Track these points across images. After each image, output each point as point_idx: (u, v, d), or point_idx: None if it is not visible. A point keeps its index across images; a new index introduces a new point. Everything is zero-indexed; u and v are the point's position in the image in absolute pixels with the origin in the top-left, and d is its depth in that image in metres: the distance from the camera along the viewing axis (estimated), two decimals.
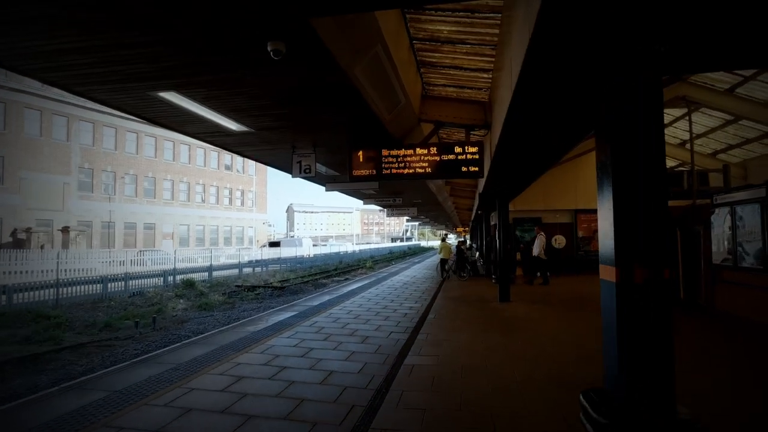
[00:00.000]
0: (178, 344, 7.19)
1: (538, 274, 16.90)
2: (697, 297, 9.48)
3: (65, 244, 28.31)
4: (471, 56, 5.73)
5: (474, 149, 6.60)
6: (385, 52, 4.32)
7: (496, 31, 4.92)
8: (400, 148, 6.79)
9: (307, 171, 7.32)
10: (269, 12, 3.02)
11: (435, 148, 6.69)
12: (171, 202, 38.52)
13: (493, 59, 5.68)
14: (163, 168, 37.85)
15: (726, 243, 8.14)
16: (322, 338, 7.04)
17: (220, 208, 43.73)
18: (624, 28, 2.29)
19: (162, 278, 19.74)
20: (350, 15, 3.47)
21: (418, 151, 6.78)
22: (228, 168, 45.07)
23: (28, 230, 27.15)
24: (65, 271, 18.03)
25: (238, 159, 45.69)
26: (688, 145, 14.24)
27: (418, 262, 32.29)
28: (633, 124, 2.34)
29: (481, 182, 10.25)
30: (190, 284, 19.36)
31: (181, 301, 16.21)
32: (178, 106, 4.90)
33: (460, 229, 52.05)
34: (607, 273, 2.49)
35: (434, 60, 6.10)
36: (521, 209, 17.68)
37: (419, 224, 52.73)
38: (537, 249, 14.19)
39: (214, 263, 25.74)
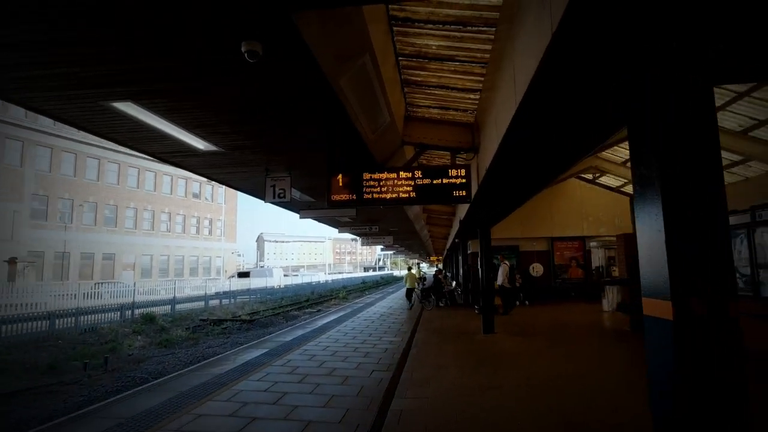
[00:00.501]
0: (130, 391, 6.28)
1: (517, 302, 16.66)
2: None
3: (11, 277, 26.10)
4: (459, 75, 5.45)
5: (461, 173, 6.25)
6: (373, 64, 3.94)
7: (488, 47, 4.65)
8: (382, 172, 6.36)
9: (282, 196, 6.76)
10: (244, 5, 2.58)
11: (420, 172, 6.30)
12: (133, 231, 36.63)
13: (482, 78, 5.41)
14: (126, 195, 36.17)
15: None
16: (297, 380, 6.31)
17: (187, 238, 41.93)
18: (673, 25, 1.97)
19: (119, 312, 18.23)
20: (338, 16, 3.07)
21: (402, 174, 6.36)
22: (196, 196, 43.61)
23: None
24: (5, 306, 16.37)
25: (207, 186, 44.36)
26: None
27: (393, 292, 31.57)
28: (686, 131, 1.98)
29: (464, 209, 9.94)
30: (150, 319, 17.98)
31: (140, 337, 14.91)
32: (135, 120, 4.31)
33: (433, 258, 51.92)
34: (657, 308, 2.06)
35: (420, 79, 5.79)
36: (499, 237, 17.51)
37: (393, 253, 52.23)
38: (500, 278, 14.02)
39: (178, 295, 24.24)
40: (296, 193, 9.01)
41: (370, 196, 6.46)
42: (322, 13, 2.90)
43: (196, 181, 42.61)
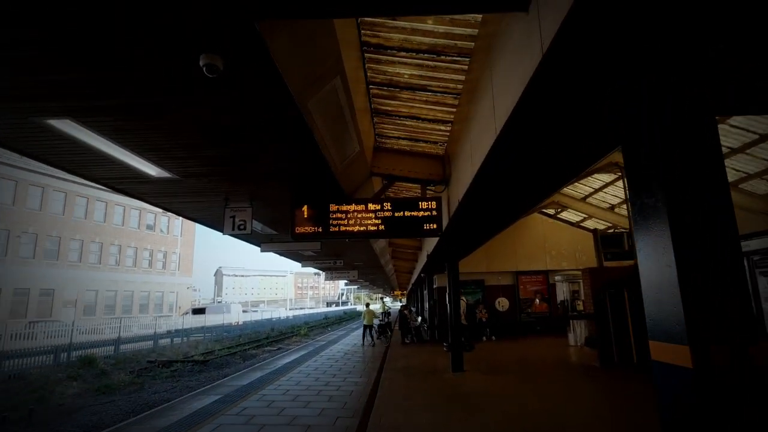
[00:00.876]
0: None
1: (484, 338, 16.43)
2: (648, 359, 9.30)
3: None
4: (431, 105, 5.35)
5: (432, 205, 6.07)
6: (344, 88, 3.72)
7: (462, 77, 4.58)
8: (349, 203, 6.08)
9: (242, 228, 6.30)
10: (202, 11, 2.29)
11: (389, 204, 6.07)
12: (77, 264, 34.02)
13: (454, 110, 5.34)
14: (72, 226, 33.78)
15: None
16: None
17: (138, 272, 39.40)
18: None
19: (53, 355, 16.45)
20: (309, 30, 2.84)
21: (371, 206, 6.11)
22: (150, 228, 41.41)
23: None
24: None
25: (163, 218, 42.33)
26: (616, 210, 15.14)
27: (356, 329, 30.62)
28: (692, 150, 1.82)
29: (432, 242, 9.75)
30: (89, 361, 16.32)
31: (75, 383, 13.38)
32: (75, 140, 3.82)
33: (397, 293, 51.46)
34: (671, 354, 1.82)
35: (390, 108, 5.65)
36: (465, 271, 17.34)
37: (357, 288, 51.32)
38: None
39: (125, 335, 22.34)
40: (258, 225, 8.52)
41: (336, 228, 6.14)
42: (291, 26, 2.66)
43: (151, 212, 40.61)
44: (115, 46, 2.55)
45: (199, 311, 36.75)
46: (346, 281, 35.14)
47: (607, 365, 9.62)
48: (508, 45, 2.75)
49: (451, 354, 9.97)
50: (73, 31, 2.42)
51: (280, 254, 12.39)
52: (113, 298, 36.70)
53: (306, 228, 6.14)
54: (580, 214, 17.17)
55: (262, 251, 10.39)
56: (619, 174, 11.55)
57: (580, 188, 14.44)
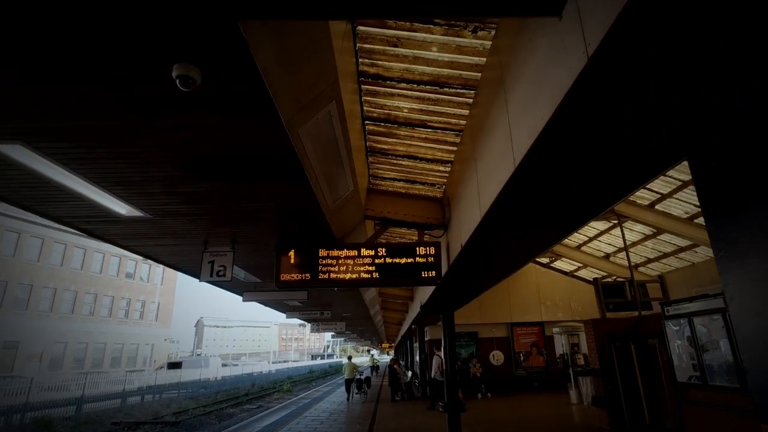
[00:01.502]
0: None
1: (479, 395, 15.40)
2: (663, 420, 8.59)
3: None
4: (430, 143, 5.03)
5: (430, 251, 5.60)
6: (340, 116, 3.35)
7: (465, 112, 4.28)
8: (341, 248, 5.58)
9: (221, 274, 5.70)
10: (175, 11, 1.91)
11: (384, 250, 5.58)
12: (47, 314, 32.09)
13: (454, 148, 5.01)
14: (47, 274, 32.21)
15: (689, 358, 7.60)
16: None
17: (112, 322, 37.31)
18: None
19: (4, 417, 14.83)
20: (300, 42, 2.48)
21: (364, 252, 5.61)
22: (130, 276, 39.80)
23: None
24: None
25: (144, 265, 40.84)
26: (611, 258, 14.82)
27: (343, 384, 28.92)
28: None
29: (427, 291, 9.17)
30: (45, 424, 14.71)
31: None
32: (29, 170, 3.31)
33: (385, 345, 49.48)
34: None
35: (387, 147, 5.32)
36: (457, 323, 16.60)
37: (344, 340, 49.31)
38: (434, 370, 13.13)
39: (92, 392, 20.53)
40: (240, 272, 7.89)
41: (326, 276, 5.59)
42: (279, 36, 2.29)
43: (132, 259, 39.24)
44: (72, 56, 2.14)
45: (174, 365, 34.56)
46: (332, 333, 33.65)
47: (617, 427, 8.82)
48: (531, 62, 2.42)
49: (448, 416, 9.08)
50: (15, 36, 2.01)
51: (264, 304, 11.61)
52: (83, 351, 34.39)
53: (292, 275, 5.57)
54: (574, 263, 16.83)
55: (244, 300, 9.66)
56: (616, 222, 11.31)
57: (575, 236, 14.17)
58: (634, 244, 13.19)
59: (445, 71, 3.77)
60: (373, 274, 5.58)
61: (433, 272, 5.52)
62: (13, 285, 29.81)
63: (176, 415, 17.56)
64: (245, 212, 4.74)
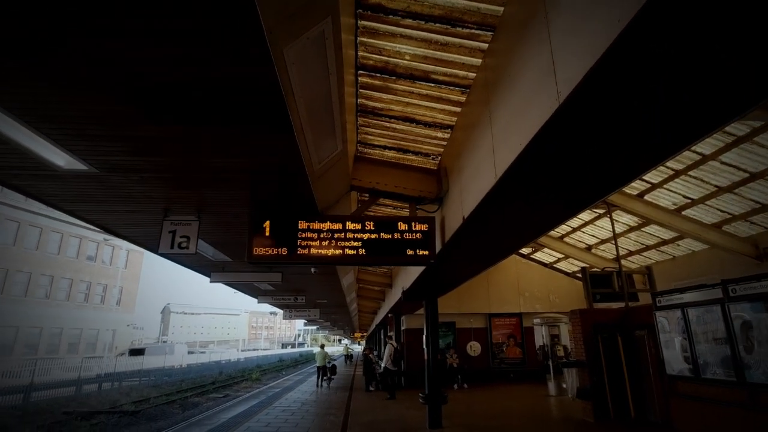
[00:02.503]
0: None
1: (455, 385, 15.08)
2: (648, 413, 8.38)
3: None
4: (431, 102, 4.39)
5: (423, 227, 5.01)
6: (335, 41, 2.68)
7: (477, 61, 3.66)
8: (323, 221, 4.91)
9: (183, 246, 4.93)
10: None
11: (372, 224, 4.95)
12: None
13: (457, 109, 4.41)
14: None
15: (681, 350, 7.35)
16: None
17: (70, 306, 35.31)
18: None
19: None
20: None
21: (350, 225, 4.96)
22: (91, 258, 37.70)
23: None
24: None
25: (107, 247, 38.78)
26: (593, 249, 14.67)
27: (314, 373, 28.27)
28: None
29: (410, 276, 8.62)
30: None
31: None
32: None
33: (357, 335, 49.10)
34: None
35: (381, 105, 4.65)
36: None
37: (317, 329, 48.56)
38: (386, 359, 13.29)
39: (44, 379, 19.15)
40: (208, 249, 7.10)
41: (305, 251, 4.91)
42: None
43: (93, 240, 37.17)
44: None
45: (137, 352, 33.07)
46: (305, 321, 32.88)
47: (602, 420, 8.57)
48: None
49: (429, 408, 8.62)
50: None
51: (233, 287, 10.81)
52: (37, 336, 32.42)
53: (267, 249, 4.86)
54: (553, 254, 16.67)
55: (211, 281, 8.84)
56: (604, 210, 11.05)
57: (560, 226, 13.93)
58: (618, 235, 13.04)
59: (461, 3, 3.13)
60: (359, 250, 4.94)
61: (426, 251, 4.95)
62: None
63: (136, 404, 16.56)
64: (211, 171, 3.99)
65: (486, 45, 3.47)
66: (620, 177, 2.96)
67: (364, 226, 4.95)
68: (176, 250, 4.86)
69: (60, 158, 3.57)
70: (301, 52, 2.49)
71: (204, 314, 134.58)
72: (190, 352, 41.42)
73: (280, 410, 11.52)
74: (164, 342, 66.90)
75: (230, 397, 18.63)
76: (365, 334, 44.33)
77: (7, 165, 3.68)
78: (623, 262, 14.22)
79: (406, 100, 4.43)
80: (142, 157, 3.60)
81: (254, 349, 77.71)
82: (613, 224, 10.35)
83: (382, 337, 28.02)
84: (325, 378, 17.22)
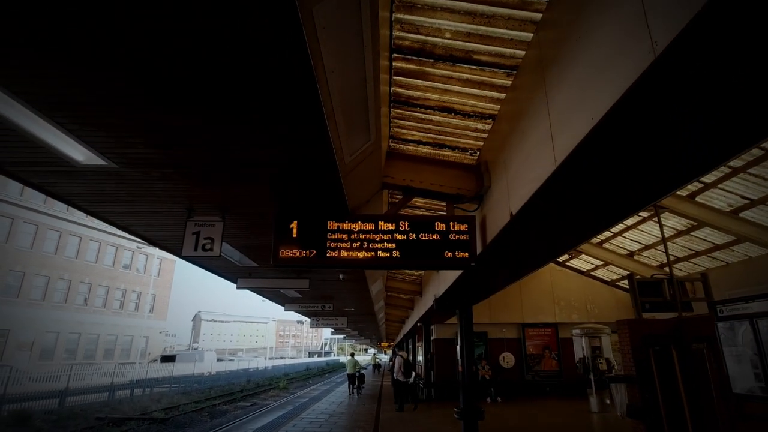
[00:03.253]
0: None
1: (488, 399, 14.38)
2: None
3: None
4: (472, 88, 3.99)
5: (462, 227, 4.58)
6: (372, 4, 2.33)
7: (527, 35, 3.25)
8: (354, 221, 4.56)
9: (207, 248, 4.67)
10: None
11: (407, 224, 4.56)
12: (39, 303, 31.22)
13: (502, 96, 3.99)
14: (39, 261, 31.33)
15: (750, 366, 6.58)
16: None
17: (107, 313, 36.42)
18: None
19: None
20: None
21: (383, 226, 4.59)
22: (126, 267, 38.87)
23: None
24: None
25: (141, 256, 39.90)
26: (636, 256, 13.77)
27: (341, 383, 27.87)
28: None
29: (443, 283, 8.15)
30: (23, 418, 13.73)
31: None
32: None
33: (384, 344, 48.45)
34: None
35: (416, 94, 4.29)
36: None
37: (344, 337, 48.28)
38: (396, 370, 13.49)
39: (79, 384, 19.54)
40: (234, 254, 6.88)
41: (335, 254, 4.56)
42: None
43: (128, 249, 38.33)
44: None
45: (168, 359, 33.60)
46: (332, 330, 32.62)
47: None
48: None
49: (464, 423, 8.07)
50: None
51: (260, 293, 10.61)
52: (76, 342, 33.52)
53: (294, 251, 4.54)
54: (591, 261, 15.79)
55: (238, 288, 8.64)
56: (651, 213, 10.28)
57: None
58: (665, 240, 12.16)
59: None
60: (393, 252, 4.56)
61: (466, 253, 4.51)
62: (4, 271, 28.90)
63: (166, 411, 16.59)
64: (234, 164, 3.69)
65: (539, 15, 3.06)
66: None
67: (398, 226, 4.57)
68: (200, 252, 4.61)
69: (78, 152, 3.36)
70: (333, 15, 2.15)
71: (233, 322, 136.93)
72: (219, 360, 41.84)
73: (307, 422, 11.18)
74: (195, 349, 68.17)
75: (257, 406, 18.47)
76: (392, 343, 43.71)
77: (25, 160, 3.51)
78: (675, 269, 13.28)
79: (444, 86, 4.04)
80: (162, 150, 3.35)
81: (281, 358, 78.08)
82: (661, 227, 9.57)
83: (411, 347, 27.41)
84: (354, 387, 18.02)
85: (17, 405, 15.03)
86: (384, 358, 56.37)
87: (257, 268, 7.86)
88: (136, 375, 25.21)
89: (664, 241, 9.55)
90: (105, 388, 20.64)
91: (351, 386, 18.17)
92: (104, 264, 36.57)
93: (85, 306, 34.59)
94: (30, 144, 3.18)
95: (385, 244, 4.55)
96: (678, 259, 12.89)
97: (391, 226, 4.58)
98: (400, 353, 13.93)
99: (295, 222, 4.57)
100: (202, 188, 4.18)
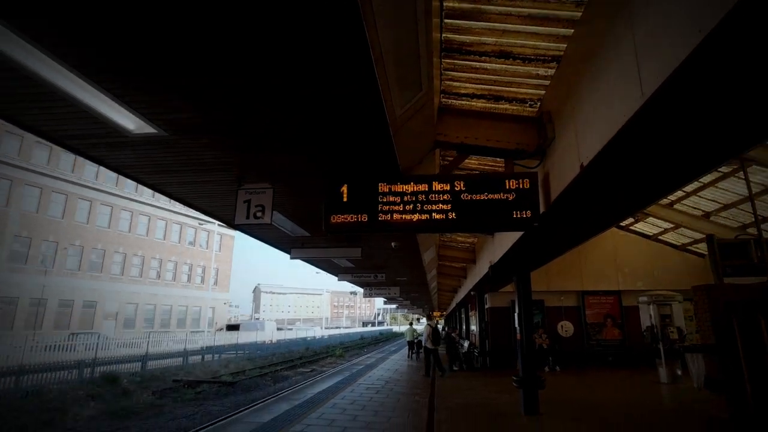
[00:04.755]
0: None
1: (546, 368, 14.02)
2: None
3: None
4: (535, 25, 3.55)
5: (525, 184, 4.22)
6: None
7: None
8: (406, 182, 4.34)
9: (259, 216, 4.67)
10: None
11: (462, 183, 4.27)
12: (119, 277, 34.24)
13: (570, 32, 3.52)
14: (116, 239, 34.17)
15: None
16: None
17: (177, 286, 39.35)
18: None
19: (77, 371, 15.50)
20: None
21: (437, 186, 4.32)
22: (191, 243, 41.54)
23: None
24: None
25: (203, 233, 42.37)
26: (713, 217, 12.52)
27: (395, 351, 28.46)
28: None
29: (499, 248, 7.81)
30: (112, 379, 15.21)
31: (93, 403, 12.19)
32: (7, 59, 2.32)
33: (436, 314, 48.71)
34: None
35: (469, 40, 3.91)
36: None
37: (396, 307, 49.10)
38: (425, 338, 13.83)
39: (156, 350, 21.36)
40: (286, 223, 6.93)
41: (387, 217, 4.37)
42: None
43: (192, 226, 40.80)
44: None
45: (233, 328, 35.96)
46: (384, 299, 33.18)
47: (739, 417, 7.18)
48: None
49: (523, 391, 7.85)
50: None
51: (313, 263, 10.80)
52: (152, 312, 36.70)
53: (345, 217, 4.42)
54: (659, 224, 14.60)
55: (291, 258, 8.79)
56: (735, 167, 9.19)
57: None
58: (752, 197, 10.90)
59: None
60: (449, 214, 4.30)
61: (528, 212, 4.17)
62: (88, 250, 31.80)
63: (233, 375, 17.72)
64: (282, 126, 3.56)
65: None
66: None
67: (453, 186, 4.29)
68: (252, 220, 4.62)
69: (129, 120, 3.37)
70: None
71: (290, 294, 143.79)
72: (278, 329, 44.16)
73: (364, 388, 11.46)
74: (257, 319, 72.46)
75: (316, 372, 19.28)
76: (444, 313, 43.85)
77: (82, 133, 3.58)
78: (751, 230, 11.96)
79: (502, 26, 3.63)
80: (210, 113, 3.27)
81: (336, 327, 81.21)
82: (748, 182, 8.51)
83: (464, 316, 27.31)
84: (413, 352, 19.38)
85: (107, 367, 16.66)
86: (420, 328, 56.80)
87: (309, 237, 7.91)
88: (206, 342, 27.14)
89: (751, 197, 8.51)
90: (179, 354, 22.42)
91: (410, 351, 19.52)
92: (171, 241, 39.25)
93: (157, 280, 37.56)
94: (85, 115, 3.21)
95: (440, 205, 4.30)
96: (765, 219, 11.56)
97: (446, 186, 4.31)
98: (429, 323, 14.67)
99: (345, 186, 4.42)
100: (250, 153, 4.12)
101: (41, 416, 10.43)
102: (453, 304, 30.84)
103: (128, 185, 34.47)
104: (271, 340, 34.27)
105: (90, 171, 31.60)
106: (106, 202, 33.52)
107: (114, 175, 32.52)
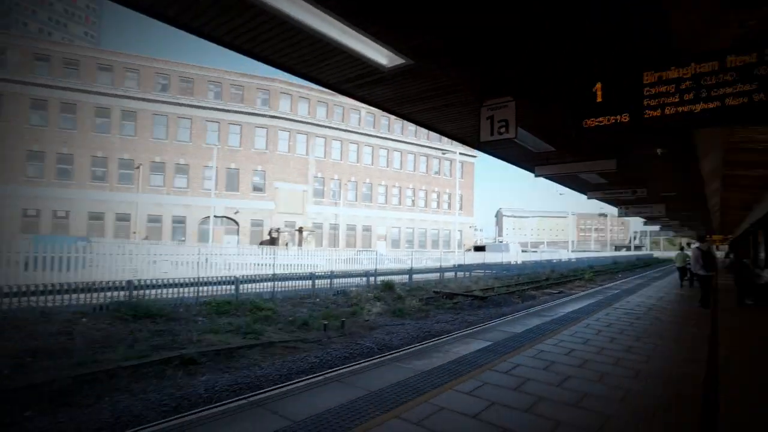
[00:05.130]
0: (348, 367, 5.58)
1: None
2: None
3: (300, 243, 32.92)
4: None
5: None
6: None
7: None
8: (686, 63, 3.42)
9: (502, 131, 4.62)
10: None
11: None
12: (384, 206, 41.15)
13: None
14: (378, 175, 40.75)
15: None
16: (525, 406, 4.14)
17: (428, 212, 44.54)
18: None
19: (365, 278, 19.97)
20: None
21: (732, 61, 3.26)
22: (437, 173, 45.69)
23: (278, 230, 32.90)
24: (290, 266, 20.01)
25: (445, 162, 45.56)
26: None
27: (659, 277, 24.44)
28: None
29: None
30: (389, 287, 18.89)
31: (378, 304, 15.55)
32: (285, 18, 3.02)
33: (717, 237, 38.12)
34: None
35: None
36: None
37: (660, 229, 41.38)
38: (693, 263, 11.88)
39: (416, 266, 25.17)
40: (527, 139, 6.66)
41: (657, 112, 3.62)
42: None
43: (435, 157, 44.44)
44: None
45: (479, 249, 38.41)
46: (644, 220, 28.41)
47: None
48: None
49: None
50: None
51: (559, 181, 10.12)
52: (411, 234, 43.09)
53: (600, 120, 3.89)
54: None
55: (536, 176, 8.48)
56: None
57: None
58: None
59: None
60: (754, 96, 3.21)
61: None
62: (360, 185, 39.43)
63: (483, 291, 19.20)
64: (519, 31, 3.31)
65: None
66: None
67: (763, 55, 3.13)
68: (496, 136, 4.63)
69: (382, 56, 3.80)
70: None
71: (532, 217, 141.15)
72: (522, 251, 44.55)
73: (622, 312, 10.50)
74: (501, 242, 74.89)
75: (564, 294, 18.78)
76: (728, 237, 34.53)
77: (354, 75, 4.29)
78: None
79: None
80: (446, 39, 3.35)
81: (584, 251, 75.46)
82: None
83: (759, 240, 20.82)
84: (686, 278, 17.36)
85: (383, 278, 20.76)
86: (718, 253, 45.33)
87: (554, 152, 7.40)
88: (456, 261, 30.07)
89: None
90: (436, 270, 25.69)
91: (682, 278, 17.57)
92: (419, 171, 44.03)
93: (412, 207, 43.32)
94: (351, 61, 3.82)
95: (737, 86, 3.25)
96: None
97: (748, 58, 3.20)
98: (700, 245, 12.30)
99: (599, 84, 3.85)
100: (488, 72, 4.06)
101: (347, 309, 13.95)
102: (742, 227, 23.79)
103: (383, 127, 40.01)
104: (516, 261, 35.03)
105: (353, 119, 38.13)
106: (367, 143, 39.95)
107: (372, 119, 38.55)
